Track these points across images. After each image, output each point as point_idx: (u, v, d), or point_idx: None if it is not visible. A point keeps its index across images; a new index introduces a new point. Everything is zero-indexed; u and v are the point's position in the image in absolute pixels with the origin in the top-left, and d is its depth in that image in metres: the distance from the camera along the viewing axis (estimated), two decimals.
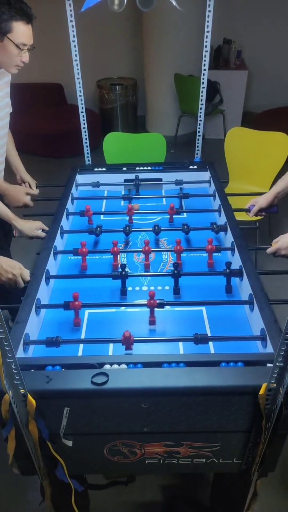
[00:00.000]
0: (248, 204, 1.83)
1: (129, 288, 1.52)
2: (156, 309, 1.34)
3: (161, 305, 1.33)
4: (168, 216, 1.91)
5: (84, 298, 1.47)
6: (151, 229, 1.77)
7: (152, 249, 1.62)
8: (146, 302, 1.34)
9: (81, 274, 1.62)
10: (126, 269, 1.48)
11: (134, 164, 2.32)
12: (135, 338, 1.20)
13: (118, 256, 1.66)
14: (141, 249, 1.64)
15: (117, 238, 1.79)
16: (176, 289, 1.48)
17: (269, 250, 1.54)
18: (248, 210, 1.83)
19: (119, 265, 1.56)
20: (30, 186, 2.14)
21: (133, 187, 2.17)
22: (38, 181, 2.20)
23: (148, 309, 1.37)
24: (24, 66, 1.74)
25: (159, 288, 1.52)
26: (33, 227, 1.73)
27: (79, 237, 1.80)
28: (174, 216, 1.91)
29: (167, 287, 1.53)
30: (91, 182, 2.20)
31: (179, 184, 2.15)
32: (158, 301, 1.32)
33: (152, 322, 1.35)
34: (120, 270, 1.46)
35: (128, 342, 1.20)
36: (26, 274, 1.44)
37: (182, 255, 1.64)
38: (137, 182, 2.16)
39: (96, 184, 2.18)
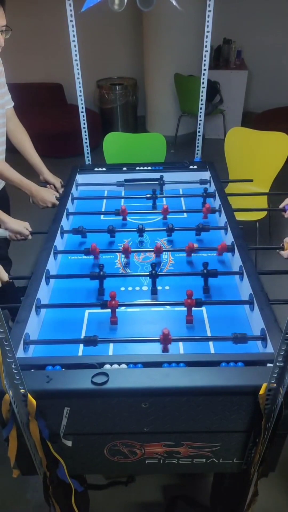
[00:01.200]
0: (284, 204, 1.82)
1: (129, 288, 1.52)
2: (153, 309, 1.34)
3: (199, 304, 1.32)
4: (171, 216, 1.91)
5: (84, 298, 1.48)
6: (154, 229, 1.77)
7: (163, 249, 1.63)
8: (153, 302, 1.33)
9: (81, 274, 1.62)
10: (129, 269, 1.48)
11: (134, 164, 2.32)
12: (135, 338, 1.20)
13: (119, 256, 1.67)
14: (143, 249, 1.64)
15: (118, 238, 1.80)
16: (154, 289, 1.48)
17: (283, 253, 1.53)
18: (283, 210, 1.83)
19: (121, 264, 1.56)
20: (55, 186, 2.14)
21: (158, 186, 2.17)
22: (37, 182, 2.20)
23: (148, 309, 1.37)
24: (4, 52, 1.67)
25: (159, 288, 1.52)
26: (20, 223, 1.74)
27: (79, 237, 1.80)
28: (173, 216, 1.92)
29: (167, 287, 1.52)
30: (116, 182, 2.19)
31: (203, 184, 2.15)
32: (196, 300, 1.32)
33: (189, 321, 1.35)
34: (98, 270, 1.47)
35: (166, 341, 1.19)
36: (4, 275, 1.44)
37: (180, 255, 1.65)
38: (161, 181, 2.17)
39: (122, 184, 2.18)
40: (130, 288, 1.52)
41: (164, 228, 1.78)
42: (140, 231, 1.74)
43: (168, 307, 1.42)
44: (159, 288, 1.52)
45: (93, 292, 1.51)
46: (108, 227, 1.75)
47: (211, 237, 1.79)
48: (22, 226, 1.73)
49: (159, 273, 1.48)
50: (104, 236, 1.79)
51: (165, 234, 1.80)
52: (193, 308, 1.34)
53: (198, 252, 1.66)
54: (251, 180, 2.41)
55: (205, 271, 1.45)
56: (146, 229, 1.75)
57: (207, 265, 1.46)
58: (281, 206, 1.84)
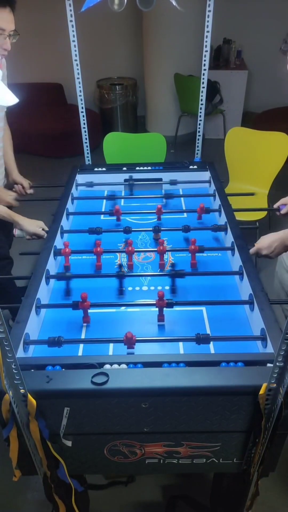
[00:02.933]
0: (278, 203, 1.85)
1: (129, 288, 1.52)
2: (153, 309, 1.35)
3: (170, 305, 1.33)
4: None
5: None
6: (151, 229, 1.77)
7: (140, 250, 1.64)
8: (154, 302, 1.34)
9: (81, 274, 1.62)
10: (123, 269, 1.49)
11: (134, 164, 2.32)
12: (136, 338, 1.20)
13: (119, 255, 1.67)
14: (143, 249, 1.64)
15: (116, 238, 1.80)
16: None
17: (251, 250, 1.55)
18: (277, 210, 1.84)
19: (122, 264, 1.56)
20: (23, 186, 2.15)
21: (127, 187, 2.17)
22: (37, 182, 2.20)
23: (148, 309, 1.37)
24: (8, 55, 1.69)
25: (159, 288, 1.52)
26: (35, 224, 1.73)
27: (79, 237, 1.81)
28: (174, 216, 1.91)
29: (167, 287, 1.52)
30: (85, 182, 2.20)
31: (173, 184, 2.15)
32: (167, 301, 1.32)
33: (160, 319, 1.36)
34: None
35: (130, 342, 1.20)
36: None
37: (181, 255, 1.65)
38: (131, 181, 2.16)
39: (90, 184, 2.19)
40: (130, 288, 1.52)
41: (164, 228, 1.78)
42: (156, 230, 1.75)
43: None
44: (159, 288, 1.52)
45: (93, 292, 1.50)
46: (125, 228, 1.74)
47: (211, 237, 1.80)
48: (37, 227, 1.73)
49: (180, 273, 1.48)
50: (106, 236, 1.79)
51: (165, 234, 1.80)
52: (190, 309, 1.33)
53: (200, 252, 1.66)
54: (252, 194, 2.44)
55: (173, 271, 1.48)
56: (162, 229, 1.76)
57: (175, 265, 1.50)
58: (275, 205, 1.85)
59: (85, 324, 1.36)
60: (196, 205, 1.97)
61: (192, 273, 1.57)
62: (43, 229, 1.75)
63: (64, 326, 1.37)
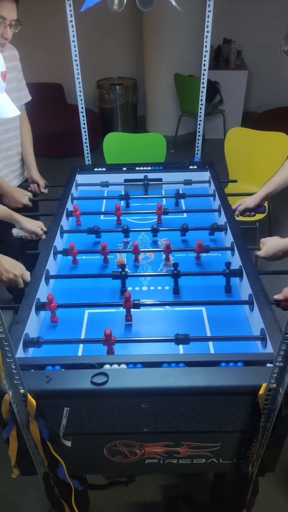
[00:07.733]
0: (236, 204, 1.84)
1: (129, 288, 1.52)
2: (134, 310, 1.36)
3: (137, 306, 1.33)
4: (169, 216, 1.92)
5: (84, 298, 1.48)
6: (150, 229, 1.77)
7: (140, 250, 1.63)
8: (153, 302, 1.34)
9: (81, 274, 1.62)
10: (126, 269, 1.48)
11: (134, 164, 2.32)
12: (117, 338, 1.21)
13: (119, 255, 1.67)
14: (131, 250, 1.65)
15: (116, 238, 1.80)
16: (176, 289, 1.48)
17: (259, 253, 1.54)
18: (234, 211, 1.85)
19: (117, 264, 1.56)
20: (38, 186, 2.16)
21: (142, 187, 2.17)
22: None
23: (147, 309, 1.37)
24: (6, 43, 1.69)
25: (159, 288, 1.52)
26: (34, 223, 1.73)
27: (79, 237, 1.81)
28: (174, 216, 1.92)
29: (167, 287, 1.52)
30: (100, 182, 2.21)
31: (187, 184, 2.15)
32: (134, 302, 1.33)
33: (128, 319, 1.37)
34: (120, 270, 1.46)
35: (109, 342, 1.20)
36: (27, 275, 1.44)
37: (181, 255, 1.65)
38: (146, 181, 2.16)
39: (106, 184, 2.20)
40: (130, 289, 1.52)
41: (165, 229, 1.78)
42: (184, 230, 1.75)
43: (167, 307, 1.43)
44: (158, 288, 1.52)
45: (93, 292, 1.51)
46: (123, 227, 1.75)
47: (213, 238, 1.80)
48: (36, 226, 1.71)
49: (182, 273, 1.48)
50: (105, 236, 1.79)
51: (166, 234, 1.81)
52: (190, 309, 1.32)
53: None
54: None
55: (227, 270, 1.46)
56: (161, 229, 1.76)
57: (229, 264, 1.48)
58: (234, 206, 1.84)
59: (53, 324, 1.37)
60: (196, 205, 1.97)
61: (192, 273, 1.57)
62: (41, 229, 1.74)
63: (63, 326, 1.37)
